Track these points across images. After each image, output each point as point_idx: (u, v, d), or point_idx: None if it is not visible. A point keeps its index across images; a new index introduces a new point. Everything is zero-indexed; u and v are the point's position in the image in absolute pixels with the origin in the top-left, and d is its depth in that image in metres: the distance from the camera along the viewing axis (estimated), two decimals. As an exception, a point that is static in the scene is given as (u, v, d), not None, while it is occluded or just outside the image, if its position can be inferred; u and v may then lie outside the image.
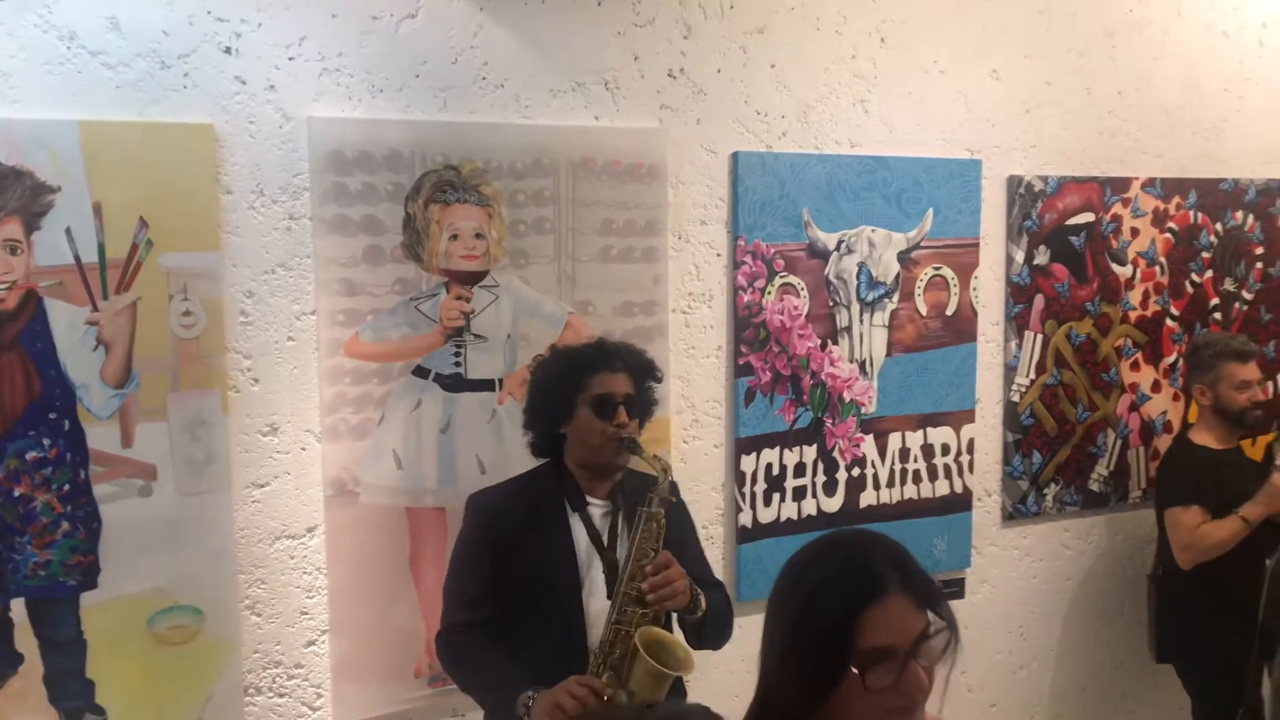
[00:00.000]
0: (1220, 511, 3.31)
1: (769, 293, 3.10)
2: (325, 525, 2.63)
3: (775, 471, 3.15)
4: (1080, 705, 3.84)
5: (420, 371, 2.69)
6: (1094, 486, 3.73)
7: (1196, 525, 3.30)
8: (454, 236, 2.70)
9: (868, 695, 1.32)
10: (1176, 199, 3.78)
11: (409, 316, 2.67)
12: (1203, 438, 3.44)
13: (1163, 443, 3.81)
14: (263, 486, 2.57)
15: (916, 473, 3.38)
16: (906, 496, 3.38)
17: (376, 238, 2.62)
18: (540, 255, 2.80)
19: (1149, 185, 3.72)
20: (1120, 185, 3.67)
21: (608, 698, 2.15)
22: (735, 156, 3.04)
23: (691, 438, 3.06)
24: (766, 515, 3.14)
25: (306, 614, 2.64)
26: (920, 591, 1.37)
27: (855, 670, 1.32)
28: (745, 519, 3.12)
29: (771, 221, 3.09)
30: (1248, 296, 3.97)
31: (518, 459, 2.74)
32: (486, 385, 2.77)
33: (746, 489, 3.12)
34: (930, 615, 1.36)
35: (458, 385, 2.73)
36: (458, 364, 2.73)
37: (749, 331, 3.09)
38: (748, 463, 3.11)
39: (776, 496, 3.16)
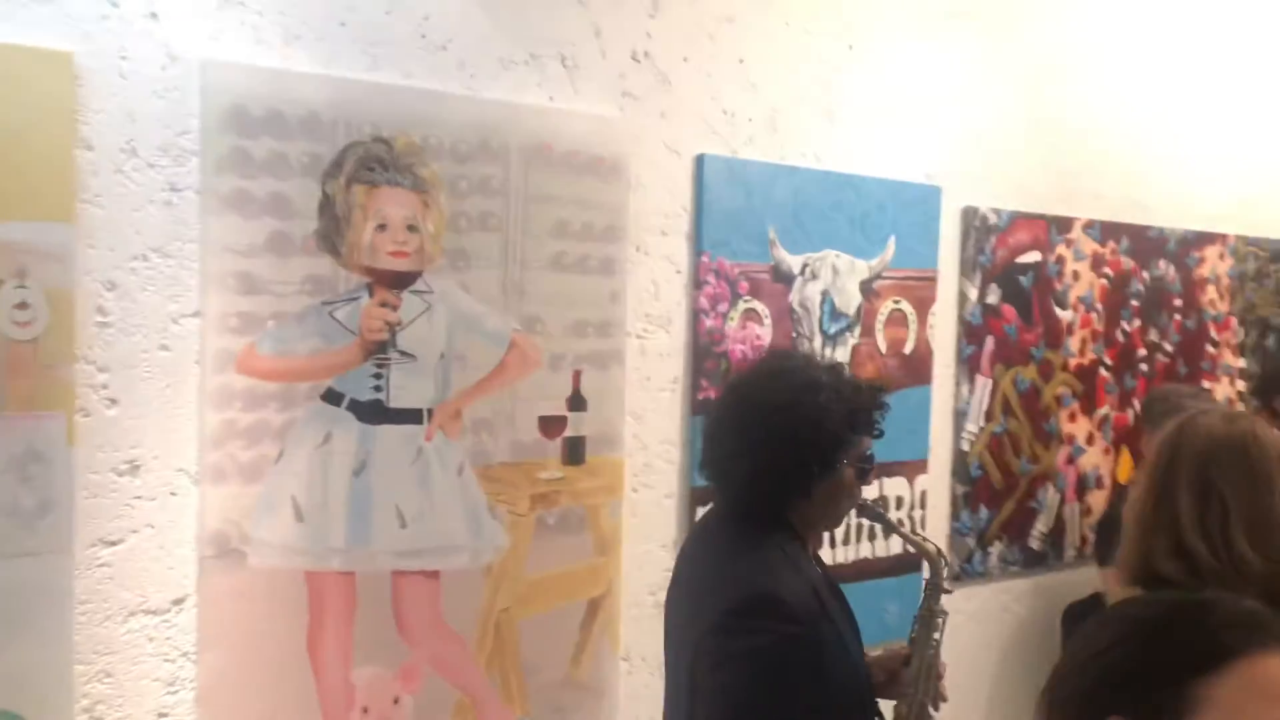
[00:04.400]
0: None
1: (732, 318, 2.68)
2: (198, 596, 1.99)
3: (732, 527, 2.71)
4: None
5: (332, 396, 2.11)
6: (1034, 544, 3.48)
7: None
8: (381, 226, 2.14)
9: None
10: (1111, 244, 3.64)
11: (321, 325, 2.09)
12: (1154, 493, 3.24)
13: (1095, 498, 3.63)
14: (115, 545, 1.92)
15: (872, 529, 3.02)
16: (862, 556, 3.00)
17: (284, 222, 2.03)
18: (484, 258, 2.28)
19: (1089, 227, 3.56)
20: (1064, 225, 3.48)
21: None
22: (700, 160, 2.62)
23: (642, 485, 2.58)
24: (722, 578, 2.69)
25: (165, 717, 1.98)
26: None
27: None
28: (699, 583, 2.66)
29: (736, 237, 2.68)
30: (1168, 348, 3.87)
31: (446, 509, 2.20)
32: (412, 416, 2.21)
33: (702, 548, 2.66)
34: None
35: (377, 415, 2.16)
36: (378, 388, 2.16)
37: (709, 362, 2.65)
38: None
39: (733, 556, 2.71)
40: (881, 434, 1.91)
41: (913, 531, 2.22)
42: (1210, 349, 4.03)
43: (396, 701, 2.19)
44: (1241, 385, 4.10)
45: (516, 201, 2.31)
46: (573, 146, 2.38)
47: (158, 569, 1.96)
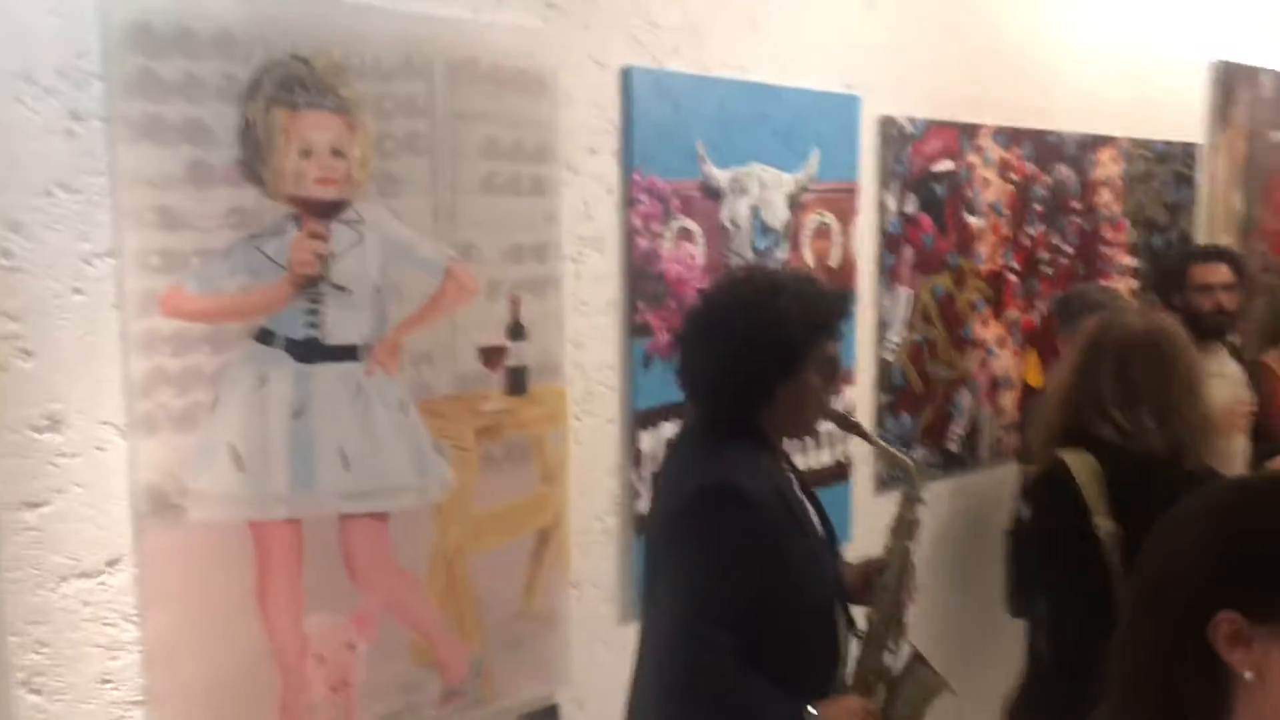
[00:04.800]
0: None
1: (666, 238, 2.62)
2: (135, 555, 1.86)
3: (674, 448, 2.69)
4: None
5: (265, 336, 1.98)
6: (952, 447, 3.57)
7: None
8: (305, 153, 2.00)
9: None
10: (1016, 149, 3.69)
11: (249, 260, 1.95)
12: (1070, 392, 3.34)
13: (1006, 399, 3.74)
14: (39, 507, 1.77)
15: (803, 442, 3.04)
16: (796, 469, 3.02)
17: (202, 150, 1.88)
18: (413, 183, 2.16)
19: (996, 134, 3.60)
20: (973, 132, 3.51)
21: None
22: (627, 73, 2.53)
23: (584, 413, 2.52)
24: (666, 500, 2.67)
25: (110, 682, 1.86)
26: None
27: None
28: (644, 506, 2.63)
29: (665, 153, 2.61)
30: (1069, 250, 3.97)
31: (390, 448, 2.12)
32: (350, 353, 2.09)
33: (645, 470, 2.63)
34: None
35: (313, 354, 2.04)
36: (313, 325, 2.04)
37: (645, 284, 2.59)
38: (646, 440, 2.63)
39: (676, 478, 2.69)
40: (841, 336, 1.95)
41: (888, 442, 2.27)
42: (1105, 250, 4.16)
43: (352, 648, 2.11)
44: (1134, 283, 4.26)
45: (444, 121, 2.19)
46: (497, 61, 2.27)
47: (89, 530, 1.82)
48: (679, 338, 2.04)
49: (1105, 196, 4.12)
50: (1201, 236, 4.66)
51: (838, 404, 2.11)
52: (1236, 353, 3.77)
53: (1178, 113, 4.49)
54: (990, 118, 3.58)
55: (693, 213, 2.67)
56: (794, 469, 2.09)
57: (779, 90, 2.86)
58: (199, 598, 1.92)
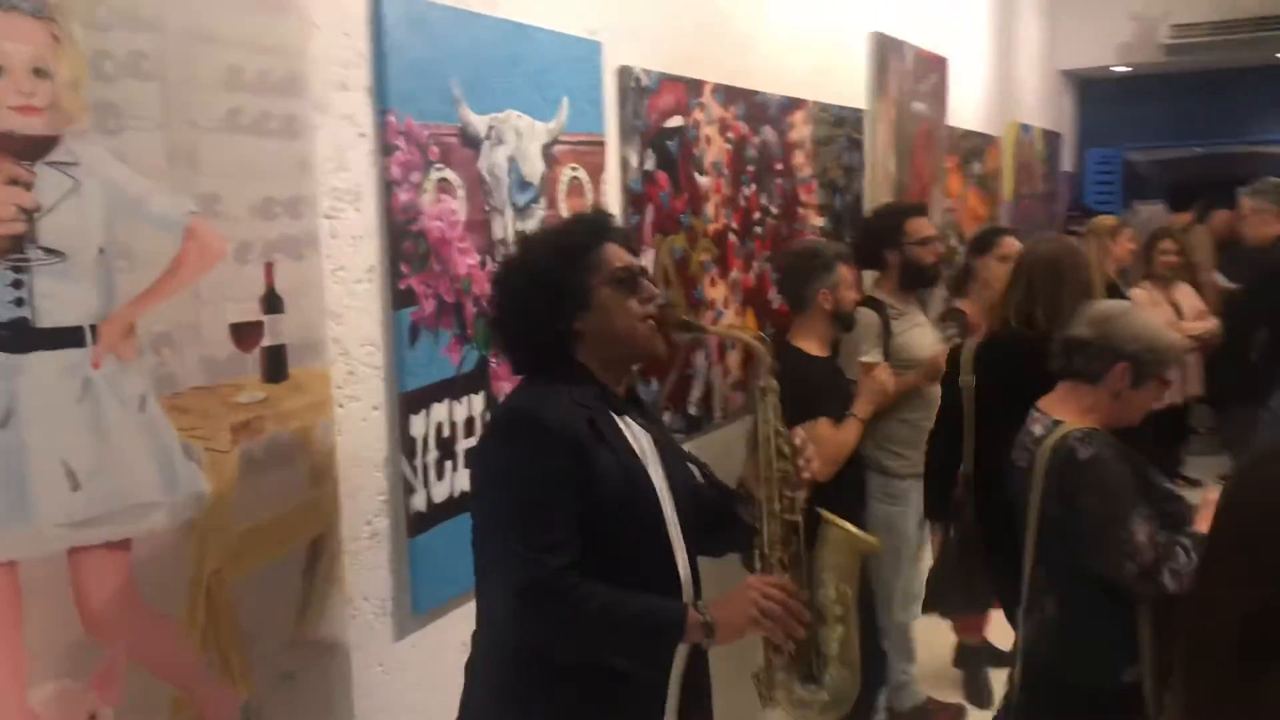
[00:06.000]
0: (838, 417, 3.29)
1: (426, 190, 2.29)
2: None
3: (446, 433, 2.36)
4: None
5: (-47, 318, 1.45)
6: (692, 410, 3.50)
7: (831, 436, 3.23)
8: (-5, 70, 1.49)
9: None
10: (732, 109, 3.67)
11: (-77, 215, 1.41)
12: (814, 347, 3.37)
13: (731, 360, 3.73)
14: None
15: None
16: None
17: None
18: (141, 116, 1.69)
19: (715, 92, 3.55)
20: (697, 89, 3.44)
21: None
22: (377, -4, 2.16)
23: (347, 398, 2.14)
24: (441, 492, 2.35)
25: None
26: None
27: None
28: (419, 502, 2.29)
29: (422, 93, 2.27)
30: (775, 211, 4.04)
31: (129, 458, 1.67)
32: (71, 337, 1.60)
33: (419, 461, 2.29)
34: None
35: (22, 340, 1.53)
36: (20, 302, 1.53)
37: (408, 244, 2.25)
38: (418, 425, 2.29)
39: (449, 465, 2.38)
40: (618, 244, 1.93)
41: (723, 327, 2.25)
42: (801, 210, 4.28)
43: (94, 718, 1.63)
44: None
45: (176, 39, 1.73)
46: (237, -31, 1.83)
47: None
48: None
49: (799, 158, 4.23)
50: (868, 198, 4.94)
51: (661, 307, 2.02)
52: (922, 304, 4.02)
53: (848, 80, 4.72)
54: (710, 75, 3.52)
55: (452, 162, 2.35)
56: (642, 410, 2.01)
57: (529, 30, 2.60)
58: (-126, 686, 1.38)
